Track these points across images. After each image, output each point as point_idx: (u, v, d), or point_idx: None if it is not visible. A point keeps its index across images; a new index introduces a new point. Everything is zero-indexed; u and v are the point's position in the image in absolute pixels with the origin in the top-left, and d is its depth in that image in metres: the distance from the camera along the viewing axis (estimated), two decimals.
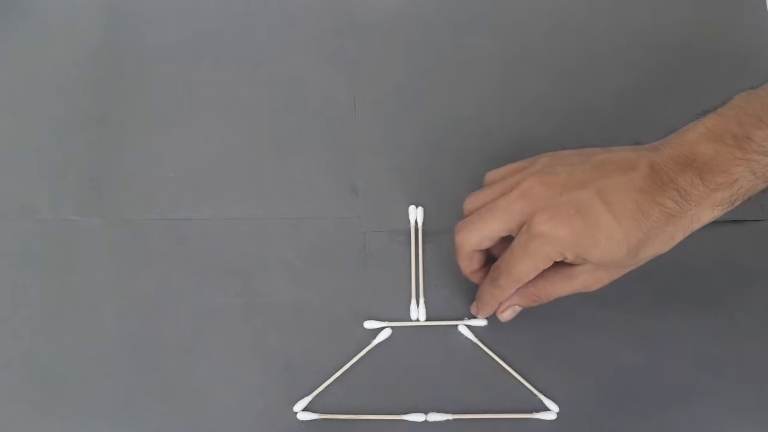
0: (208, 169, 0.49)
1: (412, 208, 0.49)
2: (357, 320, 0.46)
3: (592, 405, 0.45)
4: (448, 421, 0.44)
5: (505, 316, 0.43)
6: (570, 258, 0.38)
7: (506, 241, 0.40)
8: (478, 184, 0.49)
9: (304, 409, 0.44)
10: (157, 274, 0.47)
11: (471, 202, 0.42)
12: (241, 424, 0.44)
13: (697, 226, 0.37)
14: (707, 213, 0.37)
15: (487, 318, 0.45)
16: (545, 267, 0.39)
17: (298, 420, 0.44)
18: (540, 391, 0.45)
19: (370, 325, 0.46)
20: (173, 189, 0.49)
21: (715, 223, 0.48)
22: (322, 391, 0.45)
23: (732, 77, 0.52)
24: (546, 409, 0.44)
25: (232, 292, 0.47)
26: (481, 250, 0.42)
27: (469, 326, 0.46)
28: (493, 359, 0.45)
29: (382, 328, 0.46)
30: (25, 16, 0.53)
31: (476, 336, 0.46)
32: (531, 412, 0.44)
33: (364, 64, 0.52)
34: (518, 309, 0.43)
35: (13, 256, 0.47)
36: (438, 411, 0.44)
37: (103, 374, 0.45)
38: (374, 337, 0.46)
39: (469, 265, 0.43)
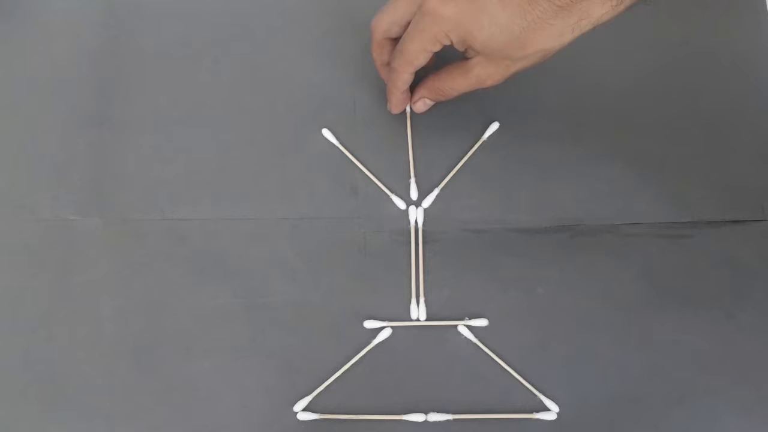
0: (208, 169, 0.49)
1: (412, 208, 0.49)
2: (357, 320, 0.46)
3: (592, 405, 0.45)
4: (448, 421, 0.44)
5: (417, 107, 0.48)
6: (455, 40, 0.40)
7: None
8: (479, 184, 0.49)
9: (304, 409, 0.44)
10: (157, 274, 0.47)
11: None
12: (241, 424, 0.44)
13: (586, 23, 0.37)
14: (597, 8, 0.36)
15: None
16: (433, 49, 0.41)
17: (298, 420, 0.44)
18: (540, 391, 0.45)
19: (370, 324, 0.46)
20: (173, 189, 0.49)
21: (715, 223, 0.48)
22: (322, 391, 0.45)
23: (732, 77, 0.52)
24: (546, 409, 0.44)
25: (232, 292, 0.47)
26: (391, 40, 0.45)
27: (469, 326, 0.46)
28: (493, 359, 0.45)
29: (382, 328, 0.46)
30: (25, 17, 0.53)
31: (476, 336, 0.46)
32: (531, 412, 0.44)
33: (365, 64, 0.52)
34: (429, 103, 0.47)
35: (13, 256, 0.47)
36: (438, 411, 0.44)
37: (103, 374, 0.45)
38: (374, 337, 0.46)
39: (381, 54, 0.46)
